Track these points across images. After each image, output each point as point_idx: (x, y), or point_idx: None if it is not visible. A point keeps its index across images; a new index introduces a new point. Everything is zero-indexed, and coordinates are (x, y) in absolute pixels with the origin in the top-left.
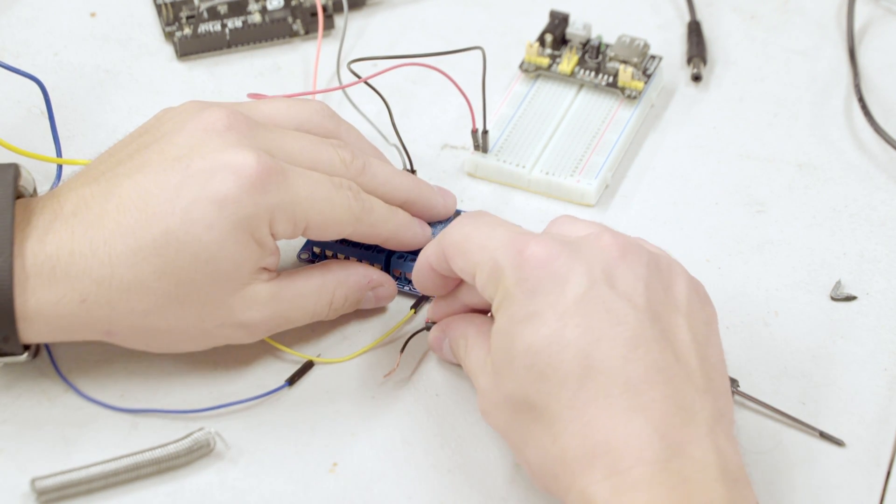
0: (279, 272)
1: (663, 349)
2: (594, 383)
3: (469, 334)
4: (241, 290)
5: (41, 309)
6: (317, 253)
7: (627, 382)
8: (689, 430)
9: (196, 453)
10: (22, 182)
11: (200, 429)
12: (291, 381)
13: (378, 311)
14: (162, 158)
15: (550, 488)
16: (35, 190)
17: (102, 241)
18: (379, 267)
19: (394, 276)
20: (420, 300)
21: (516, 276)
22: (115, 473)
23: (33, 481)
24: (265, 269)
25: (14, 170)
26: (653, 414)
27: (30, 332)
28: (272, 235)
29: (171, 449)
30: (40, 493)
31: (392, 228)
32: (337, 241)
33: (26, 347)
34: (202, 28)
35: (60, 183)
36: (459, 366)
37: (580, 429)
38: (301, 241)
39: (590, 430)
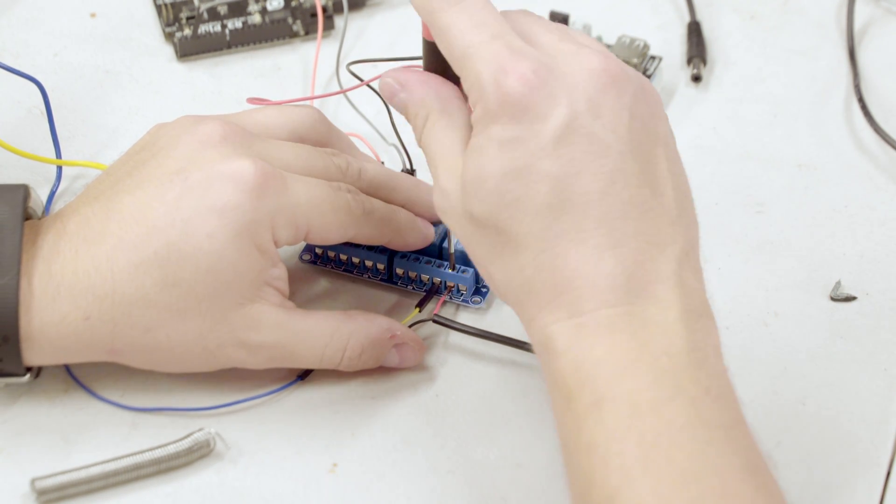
0: (295, 306)
1: (641, 183)
2: (569, 217)
3: (432, 108)
4: (245, 306)
5: (45, 329)
6: (318, 254)
7: (602, 218)
8: (658, 265)
9: (196, 453)
10: (31, 203)
11: (200, 429)
12: (303, 376)
13: (381, 309)
14: (160, 173)
15: (513, 307)
16: (43, 212)
17: (105, 258)
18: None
19: (397, 276)
20: (425, 298)
21: (499, 97)
22: (115, 473)
23: (33, 481)
24: (271, 286)
25: (24, 191)
26: (624, 252)
27: (33, 352)
28: (274, 242)
29: (171, 449)
30: (40, 493)
31: (394, 228)
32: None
33: (28, 369)
34: (202, 29)
35: (60, 189)
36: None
37: (549, 261)
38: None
39: (558, 265)
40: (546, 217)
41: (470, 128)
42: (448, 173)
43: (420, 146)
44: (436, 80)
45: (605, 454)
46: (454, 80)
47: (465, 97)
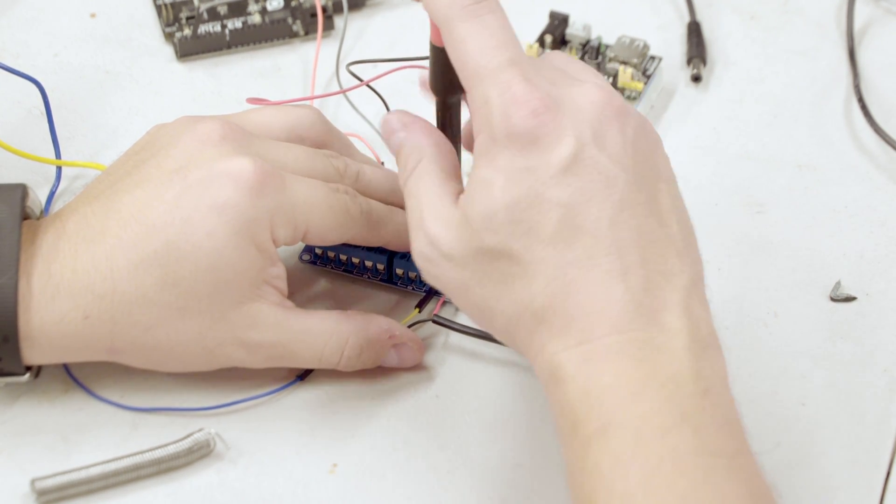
0: (294, 306)
1: (648, 214)
2: (580, 244)
3: (425, 154)
4: (244, 304)
5: (44, 328)
6: (318, 254)
7: (612, 246)
8: (665, 294)
9: (196, 454)
10: (29, 203)
11: (200, 429)
12: (302, 377)
13: (381, 309)
14: (160, 172)
15: (517, 344)
16: (41, 212)
17: (104, 257)
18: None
19: (397, 276)
20: (425, 299)
21: (507, 125)
22: (115, 474)
23: (33, 482)
24: (271, 285)
25: (22, 190)
26: (633, 279)
27: (33, 351)
28: (273, 241)
29: (171, 449)
30: (40, 493)
31: (393, 229)
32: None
33: (28, 368)
34: (202, 29)
35: (59, 190)
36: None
37: (561, 289)
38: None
39: (570, 292)
40: (558, 245)
41: (460, 183)
42: (437, 220)
43: (404, 189)
44: (437, 134)
45: (608, 479)
46: (459, 87)
47: (468, 140)
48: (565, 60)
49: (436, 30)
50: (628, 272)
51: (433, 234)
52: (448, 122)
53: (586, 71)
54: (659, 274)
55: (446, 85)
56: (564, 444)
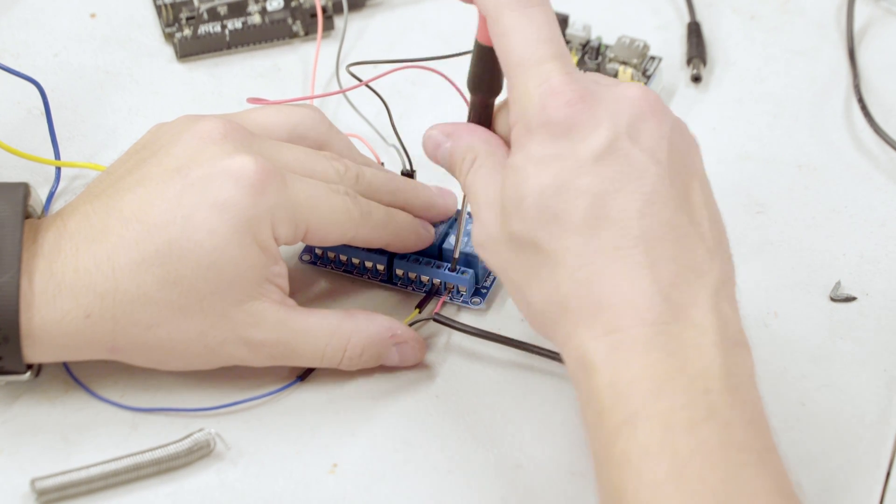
0: (296, 304)
1: (678, 208)
2: (607, 234)
3: (479, 151)
4: (246, 302)
5: (46, 326)
6: (318, 255)
7: (640, 237)
8: (694, 291)
9: (196, 454)
10: (31, 202)
11: (200, 429)
12: (303, 377)
13: (381, 310)
14: (161, 170)
15: (548, 333)
16: (42, 211)
17: (106, 256)
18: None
19: (397, 277)
20: (425, 299)
21: (543, 114)
22: (116, 474)
23: (33, 482)
24: (272, 283)
25: (24, 189)
26: (661, 272)
27: (34, 350)
28: (275, 239)
29: (171, 449)
30: (40, 493)
31: (393, 231)
32: None
33: (29, 367)
34: (202, 29)
35: (58, 190)
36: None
37: (586, 278)
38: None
39: (596, 281)
40: (584, 233)
41: None
42: (489, 207)
43: (464, 189)
44: (482, 130)
45: (637, 469)
46: (497, 88)
47: (509, 145)
48: (606, 78)
49: (483, 27)
50: (656, 265)
51: (483, 218)
52: (482, 122)
53: (629, 82)
54: (688, 269)
55: (488, 85)
56: (591, 434)
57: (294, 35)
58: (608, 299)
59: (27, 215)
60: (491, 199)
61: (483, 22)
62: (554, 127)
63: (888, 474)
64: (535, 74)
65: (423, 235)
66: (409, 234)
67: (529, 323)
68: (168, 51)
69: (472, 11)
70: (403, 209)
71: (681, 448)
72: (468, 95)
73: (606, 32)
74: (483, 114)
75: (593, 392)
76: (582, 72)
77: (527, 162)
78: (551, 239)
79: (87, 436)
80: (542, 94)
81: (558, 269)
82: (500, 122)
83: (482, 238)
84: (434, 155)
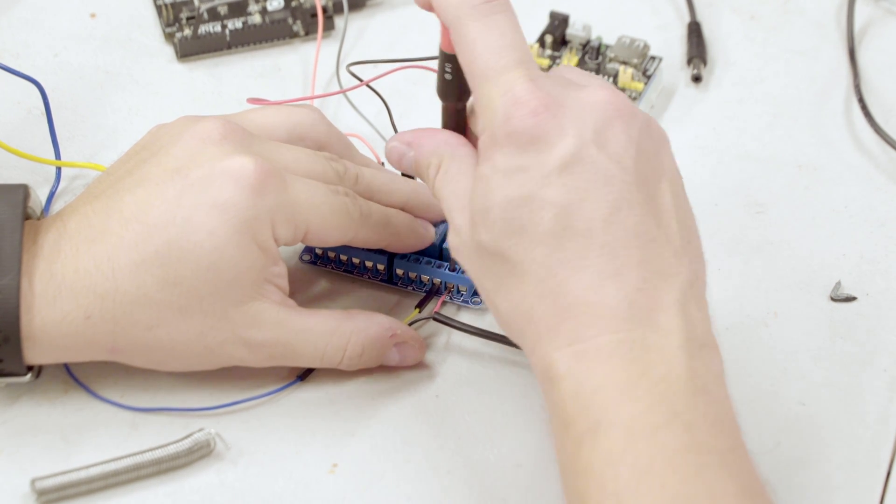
0: (296, 305)
1: (645, 213)
2: (572, 244)
3: (443, 156)
4: (246, 303)
5: (46, 328)
6: (318, 254)
7: (605, 246)
8: (660, 295)
9: (196, 454)
10: (30, 203)
11: (200, 429)
12: (302, 377)
13: (382, 309)
14: (161, 171)
15: (516, 340)
16: (42, 212)
17: (106, 257)
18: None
19: (397, 277)
20: (425, 299)
21: (507, 125)
22: (115, 474)
23: (33, 482)
24: (272, 284)
25: (24, 190)
26: (626, 279)
27: (34, 351)
28: (274, 240)
29: (172, 449)
30: (40, 493)
31: (392, 231)
32: None
33: (29, 368)
34: (202, 29)
35: (59, 190)
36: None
37: (552, 289)
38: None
39: (561, 292)
40: (549, 244)
41: None
42: (459, 211)
43: (434, 195)
44: (442, 132)
45: (599, 479)
46: (466, 93)
47: (473, 144)
48: (576, 72)
49: (446, 36)
50: (620, 272)
51: (455, 223)
52: (455, 127)
53: (594, 78)
54: (654, 274)
55: (455, 91)
56: (557, 444)
57: (294, 35)
58: (572, 310)
59: (27, 216)
60: (461, 204)
61: (445, 31)
62: (519, 137)
63: (888, 474)
64: (498, 83)
65: (422, 235)
66: (408, 235)
67: (500, 327)
68: (168, 51)
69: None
70: (403, 209)
71: (641, 454)
72: (441, 110)
73: (606, 32)
74: (455, 119)
75: (558, 402)
76: (546, 76)
77: (493, 173)
78: (517, 250)
79: (87, 436)
80: (506, 104)
81: (524, 280)
82: (472, 126)
83: (456, 243)
84: (399, 165)
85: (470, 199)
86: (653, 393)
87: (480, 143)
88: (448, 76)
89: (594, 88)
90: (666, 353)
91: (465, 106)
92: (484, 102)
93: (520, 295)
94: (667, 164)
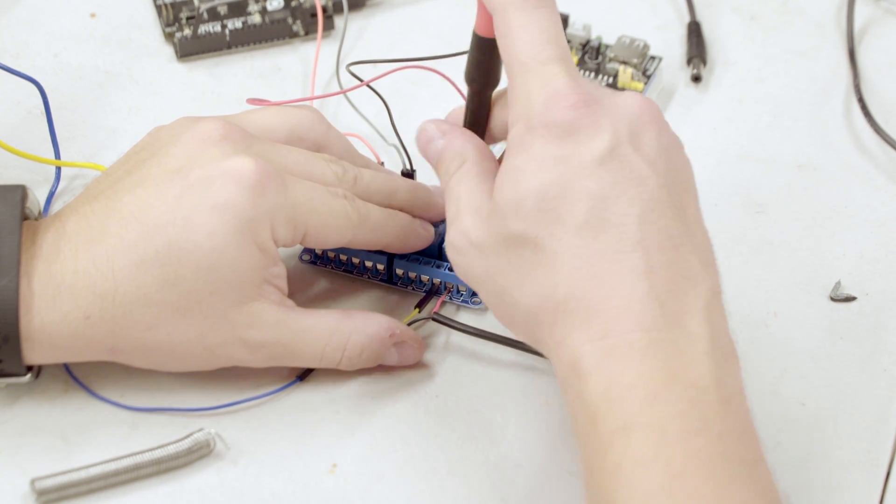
0: (295, 305)
1: (675, 217)
2: (608, 237)
3: (469, 156)
4: (246, 304)
5: (45, 328)
6: (318, 254)
7: (639, 242)
8: (689, 300)
9: (196, 454)
10: (28, 204)
11: (200, 429)
12: (302, 377)
13: (381, 310)
14: (160, 171)
15: (536, 335)
16: (40, 213)
17: (105, 257)
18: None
19: (397, 277)
20: (425, 299)
21: (547, 115)
22: (115, 474)
23: (33, 482)
24: (271, 284)
25: (21, 191)
26: (658, 279)
27: (34, 352)
28: (273, 241)
29: (171, 449)
30: (40, 493)
31: (392, 233)
32: None
33: (29, 368)
34: (202, 29)
35: (58, 190)
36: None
37: (585, 280)
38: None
39: (594, 283)
40: (584, 235)
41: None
42: (470, 212)
43: (447, 190)
44: (476, 139)
45: (629, 479)
46: (495, 80)
47: (492, 139)
48: (612, 90)
49: (483, 20)
50: (654, 271)
51: (465, 224)
52: (480, 113)
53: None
54: (683, 278)
55: (486, 77)
56: (583, 440)
57: (294, 35)
58: (605, 302)
59: (25, 217)
60: (476, 205)
61: (483, 14)
62: (558, 128)
63: (888, 474)
64: (539, 75)
65: (422, 236)
66: (407, 236)
67: (513, 328)
68: (168, 50)
69: (472, 12)
70: (402, 210)
71: (674, 459)
72: (468, 94)
73: (606, 32)
74: (480, 106)
75: (585, 397)
76: (585, 78)
77: (529, 162)
78: (552, 239)
79: (87, 436)
80: (547, 95)
81: (557, 270)
82: (497, 116)
83: (461, 243)
84: (426, 149)
85: (497, 192)
86: (684, 398)
87: (513, 132)
88: (480, 60)
89: (629, 94)
90: (695, 358)
91: (490, 94)
92: (521, 92)
93: (551, 285)
94: (690, 184)
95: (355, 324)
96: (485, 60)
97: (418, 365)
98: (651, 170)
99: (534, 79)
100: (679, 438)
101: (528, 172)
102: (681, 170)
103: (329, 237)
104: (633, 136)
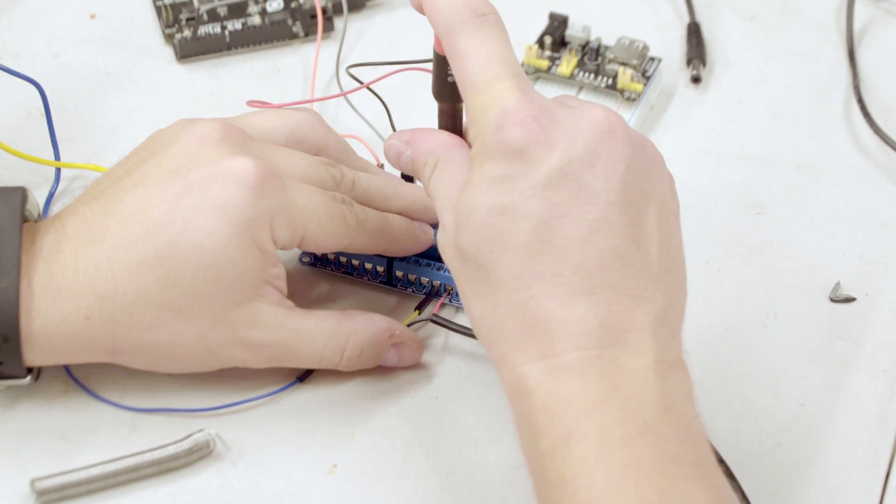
0: (294, 306)
1: (625, 236)
2: (547, 259)
3: (439, 156)
4: (245, 304)
5: (46, 329)
6: (318, 256)
7: (580, 265)
8: (633, 316)
9: (196, 454)
10: (28, 206)
11: (200, 430)
12: (302, 378)
13: (381, 311)
14: (160, 171)
15: (486, 347)
16: (39, 214)
17: (105, 257)
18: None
19: (397, 279)
20: (425, 300)
21: (498, 134)
22: (115, 474)
23: (33, 482)
24: (271, 285)
25: (22, 193)
26: (598, 300)
27: (34, 353)
28: (273, 242)
29: (171, 450)
30: (40, 493)
31: (390, 237)
32: None
33: (29, 370)
34: (202, 30)
35: (58, 191)
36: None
37: (523, 302)
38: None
39: (532, 306)
40: (524, 257)
41: None
42: (449, 211)
43: (428, 195)
44: (441, 133)
45: (574, 487)
46: (460, 95)
47: (469, 145)
48: (576, 99)
49: (439, 40)
50: (594, 291)
51: (445, 223)
52: (451, 128)
53: (593, 103)
54: (628, 297)
55: (450, 93)
56: (528, 457)
57: (294, 36)
58: (543, 325)
59: (24, 219)
60: (451, 205)
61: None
62: (507, 148)
63: (888, 474)
64: (489, 94)
65: (420, 239)
66: (405, 239)
67: (473, 330)
68: (168, 52)
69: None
70: (401, 213)
71: (615, 462)
72: (438, 111)
73: (606, 33)
74: (452, 120)
75: (528, 414)
76: (540, 94)
77: (479, 180)
78: (492, 258)
79: (87, 436)
80: (497, 114)
81: (496, 290)
82: (467, 134)
83: (443, 242)
84: (398, 163)
85: (455, 203)
86: (624, 406)
87: (472, 150)
88: (449, 78)
89: (589, 107)
90: (636, 372)
91: (461, 107)
92: (475, 112)
93: (491, 304)
94: (658, 189)
95: (355, 324)
96: (448, 78)
97: (418, 366)
98: (604, 186)
99: (485, 98)
100: (620, 443)
101: (477, 190)
102: (644, 178)
103: (326, 241)
104: (587, 152)
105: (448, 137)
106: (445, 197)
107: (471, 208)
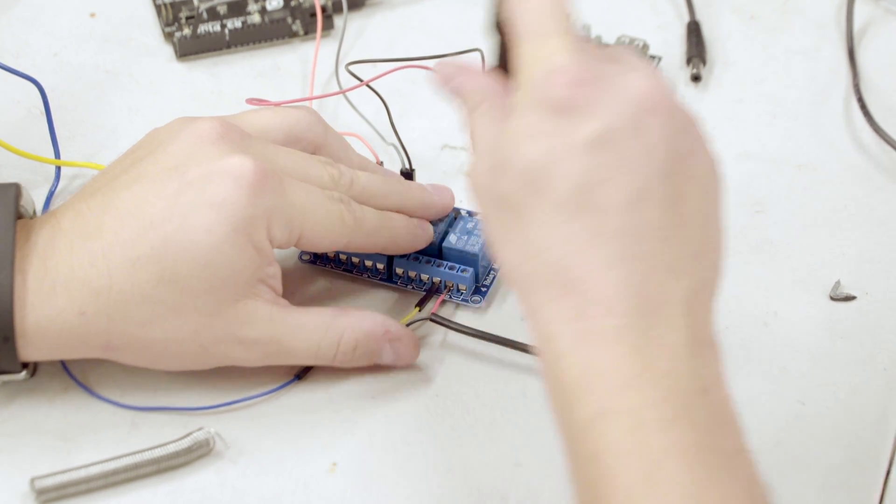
0: (288, 304)
1: (666, 210)
2: (587, 220)
3: (488, 96)
4: (240, 301)
5: (40, 324)
6: (318, 254)
7: (620, 229)
8: (668, 289)
9: (195, 453)
10: (22, 202)
11: (200, 428)
12: (300, 376)
13: (381, 309)
14: (157, 169)
15: (516, 291)
16: (34, 211)
17: (101, 253)
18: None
19: (397, 276)
20: (425, 298)
21: (544, 89)
22: (115, 473)
23: (33, 481)
24: (265, 284)
25: (16, 189)
26: (637, 267)
27: (28, 348)
28: (269, 241)
29: (171, 448)
30: (40, 492)
31: (388, 236)
32: None
33: (24, 366)
34: (202, 28)
35: (58, 189)
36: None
37: (558, 259)
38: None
39: (567, 265)
40: (564, 214)
41: None
42: (484, 154)
43: (468, 121)
44: (493, 78)
45: (609, 468)
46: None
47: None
48: (630, 54)
49: None
50: (632, 260)
51: (478, 164)
52: (506, 60)
53: (646, 66)
54: (665, 270)
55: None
56: (560, 422)
57: (294, 34)
58: (578, 285)
59: (19, 215)
60: (487, 149)
61: None
62: (553, 104)
63: (888, 474)
64: (542, 46)
65: (420, 237)
66: (404, 238)
67: (502, 274)
68: (168, 50)
69: (472, 11)
70: (400, 211)
71: (652, 449)
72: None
73: (606, 32)
74: (505, 53)
75: (561, 377)
76: (594, 51)
77: (521, 129)
78: (532, 211)
79: (87, 435)
80: (549, 67)
81: (532, 242)
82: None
83: (474, 182)
84: (446, 84)
85: (495, 146)
86: (659, 387)
87: (516, 97)
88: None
89: (640, 75)
90: (670, 348)
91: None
92: (524, 62)
93: (524, 254)
94: (700, 168)
95: (349, 320)
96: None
97: (417, 364)
98: (647, 158)
99: (537, 49)
100: (655, 428)
101: (518, 140)
102: (687, 156)
103: (324, 241)
104: (633, 121)
105: (500, 84)
106: (482, 139)
107: (512, 158)
